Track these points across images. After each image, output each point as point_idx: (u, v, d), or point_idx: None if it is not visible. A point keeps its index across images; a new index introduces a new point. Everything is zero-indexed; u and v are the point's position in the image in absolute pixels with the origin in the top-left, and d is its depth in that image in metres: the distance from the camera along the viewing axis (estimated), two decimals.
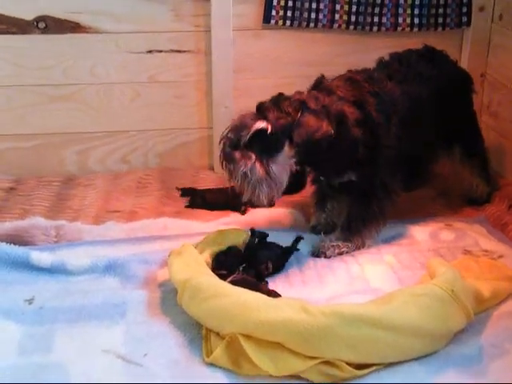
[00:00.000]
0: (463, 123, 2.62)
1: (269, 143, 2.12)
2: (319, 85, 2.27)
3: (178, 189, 2.83)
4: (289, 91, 2.21)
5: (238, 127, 2.12)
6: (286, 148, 2.13)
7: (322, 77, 2.30)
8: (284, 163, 2.16)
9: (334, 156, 2.18)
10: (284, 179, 2.18)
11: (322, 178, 2.43)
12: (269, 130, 2.09)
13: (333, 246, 2.31)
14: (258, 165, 2.12)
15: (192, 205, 2.74)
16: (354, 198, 2.36)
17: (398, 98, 2.35)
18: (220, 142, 2.17)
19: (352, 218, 2.35)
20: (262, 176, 2.12)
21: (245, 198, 2.20)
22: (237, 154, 2.12)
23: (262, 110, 2.14)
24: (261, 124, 2.09)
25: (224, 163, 2.16)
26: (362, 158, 2.25)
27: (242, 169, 2.11)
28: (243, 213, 2.64)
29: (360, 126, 2.20)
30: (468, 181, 2.74)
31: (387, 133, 2.29)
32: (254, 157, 2.11)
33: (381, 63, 2.51)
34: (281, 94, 2.19)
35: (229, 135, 2.14)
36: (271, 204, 2.37)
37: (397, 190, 2.39)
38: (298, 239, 2.25)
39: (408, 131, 2.34)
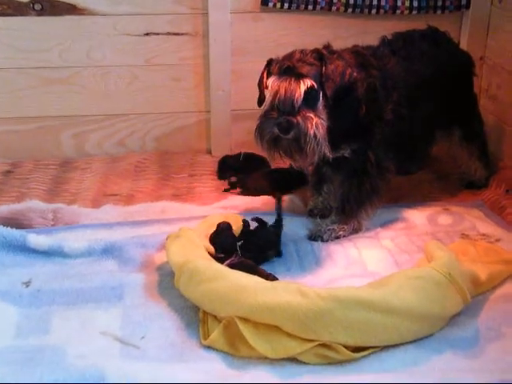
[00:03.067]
0: (463, 105, 2.61)
1: (311, 98, 2.08)
2: (326, 49, 2.24)
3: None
4: None
5: (286, 94, 2.04)
6: (321, 97, 2.11)
7: (328, 44, 2.26)
8: (324, 112, 2.13)
9: (341, 112, 2.16)
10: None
11: None
12: (315, 86, 2.07)
13: (329, 229, 2.31)
14: (319, 121, 2.07)
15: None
16: (346, 177, 2.33)
17: (400, 75, 2.34)
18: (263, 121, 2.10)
19: (345, 199, 2.33)
20: (324, 130, 2.08)
21: (309, 161, 2.15)
22: (298, 119, 2.04)
23: (289, 69, 2.07)
24: (307, 82, 2.05)
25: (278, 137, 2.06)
26: (359, 127, 2.23)
27: (310, 130, 2.04)
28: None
29: (364, 88, 2.20)
30: (466, 164, 2.73)
31: (386, 106, 2.28)
32: (312, 115, 2.06)
33: (384, 42, 2.48)
34: (272, 59, 2.16)
35: (279, 106, 2.06)
36: None
37: (390, 168, 2.36)
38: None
39: (407, 109, 2.34)
